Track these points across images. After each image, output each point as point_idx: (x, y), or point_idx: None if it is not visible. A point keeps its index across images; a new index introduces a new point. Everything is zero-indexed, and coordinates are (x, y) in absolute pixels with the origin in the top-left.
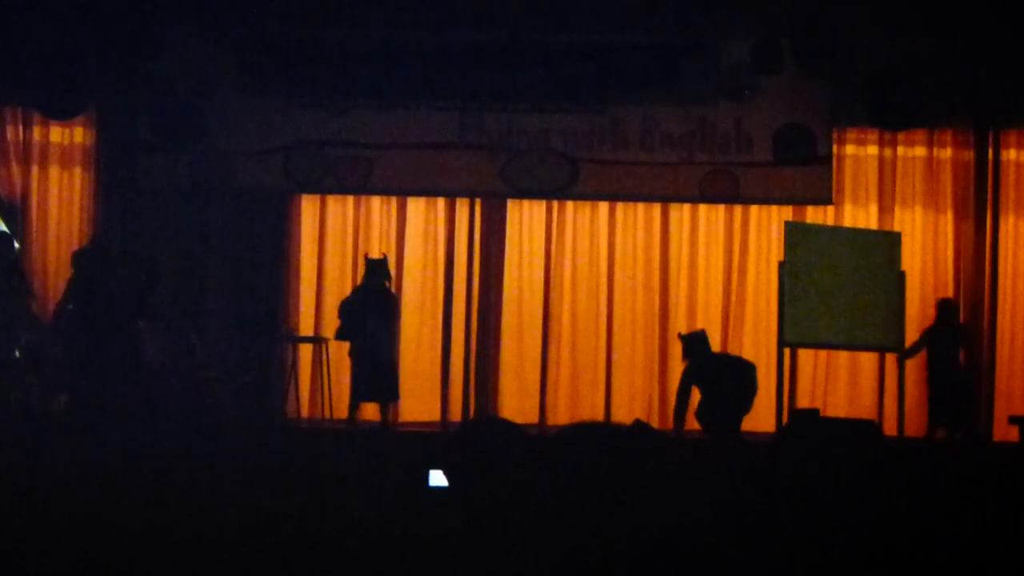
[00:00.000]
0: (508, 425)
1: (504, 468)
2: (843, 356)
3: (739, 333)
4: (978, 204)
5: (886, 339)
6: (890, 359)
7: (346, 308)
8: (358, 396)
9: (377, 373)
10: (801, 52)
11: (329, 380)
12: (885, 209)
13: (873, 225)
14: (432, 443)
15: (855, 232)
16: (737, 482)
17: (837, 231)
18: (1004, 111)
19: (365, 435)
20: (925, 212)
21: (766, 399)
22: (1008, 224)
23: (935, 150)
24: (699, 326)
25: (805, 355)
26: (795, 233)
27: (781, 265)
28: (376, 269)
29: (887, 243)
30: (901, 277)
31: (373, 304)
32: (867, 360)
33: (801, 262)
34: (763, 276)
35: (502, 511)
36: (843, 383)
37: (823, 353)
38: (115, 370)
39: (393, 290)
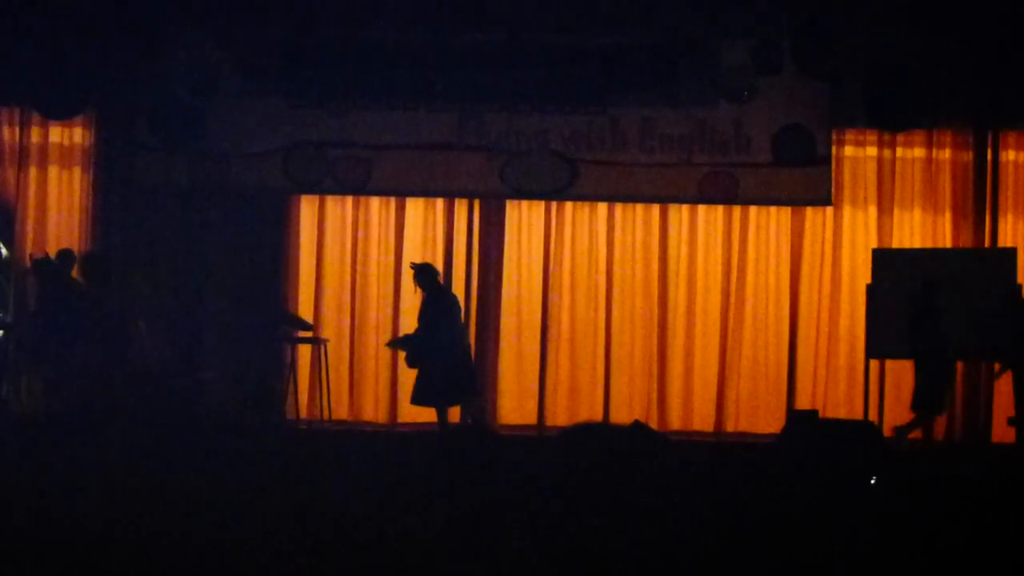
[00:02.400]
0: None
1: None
2: (843, 357)
3: (738, 334)
4: (977, 205)
5: (994, 349)
6: (891, 365)
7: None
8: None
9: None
10: (800, 53)
11: (328, 381)
12: (884, 210)
13: (872, 226)
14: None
15: (958, 252)
16: (736, 482)
17: (932, 253)
18: (1003, 112)
19: (364, 436)
20: (924, 213)
21: (775, 401)
22: (1007, 225)
23: (934, 151)
24: (698, 327)
25: (805, 356)
26: (883, 258)
27: (868, 288)
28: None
29: (999, 259)
30: (1015, 290)
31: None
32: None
33: (889, 284)
34: (762, 277)
35: (499, 512)
36: (843, 383)
37: (823, 354)
38: (115, 370)
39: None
